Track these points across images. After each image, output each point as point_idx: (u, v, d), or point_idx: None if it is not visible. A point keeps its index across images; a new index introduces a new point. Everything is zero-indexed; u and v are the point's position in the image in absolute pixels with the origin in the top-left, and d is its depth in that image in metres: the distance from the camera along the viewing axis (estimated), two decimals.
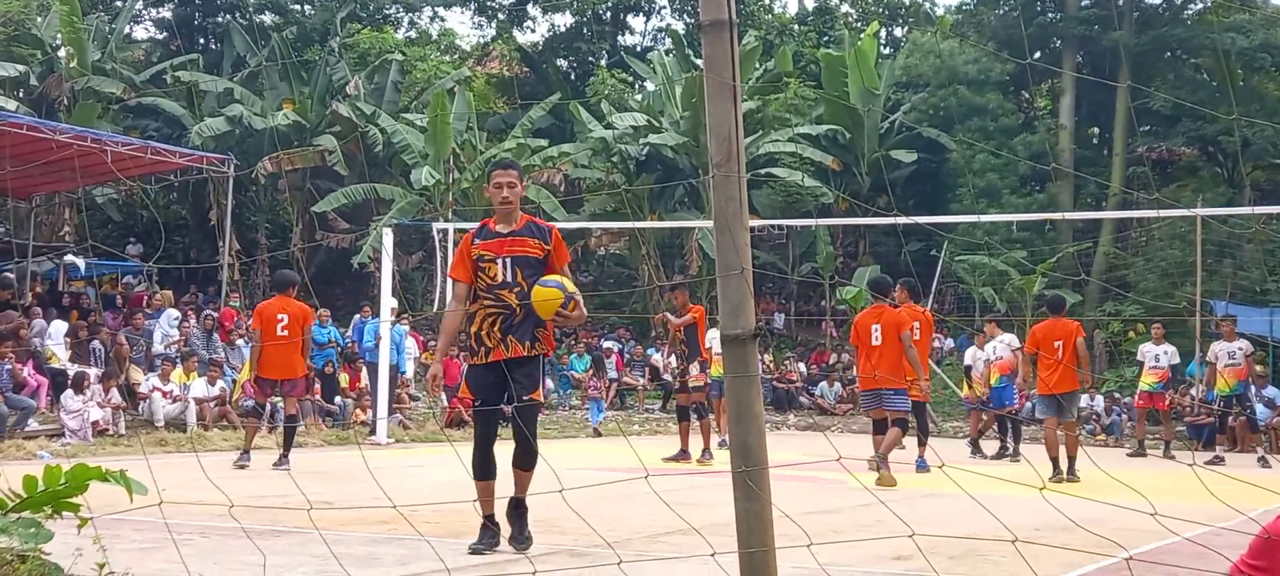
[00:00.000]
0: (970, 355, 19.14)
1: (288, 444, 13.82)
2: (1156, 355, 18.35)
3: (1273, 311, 25.98)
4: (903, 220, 22.95)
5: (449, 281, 7.57)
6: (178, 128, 32.64)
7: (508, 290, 7.26)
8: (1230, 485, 3.51)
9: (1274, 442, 21.65)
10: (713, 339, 18.87)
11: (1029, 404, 18.11)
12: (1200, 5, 37.16)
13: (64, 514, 4.55)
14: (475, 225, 7.71)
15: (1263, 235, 27.04)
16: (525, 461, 7.29)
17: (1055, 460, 14.02)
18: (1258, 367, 19.75)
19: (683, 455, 15.62)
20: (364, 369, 20.40)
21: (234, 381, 20.60)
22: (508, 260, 7.33)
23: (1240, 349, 18.99)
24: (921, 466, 14.37)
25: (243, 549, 6.61)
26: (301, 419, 16.17)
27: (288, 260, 32.57)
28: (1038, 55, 37.89)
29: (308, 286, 27.97)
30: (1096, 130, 39.69)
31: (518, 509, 7.35)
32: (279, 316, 13.90)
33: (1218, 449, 19.75)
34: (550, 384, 27.41)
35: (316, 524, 6.85)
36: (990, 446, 18.37)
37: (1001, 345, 17.78)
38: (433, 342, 27.59)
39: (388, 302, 18.99)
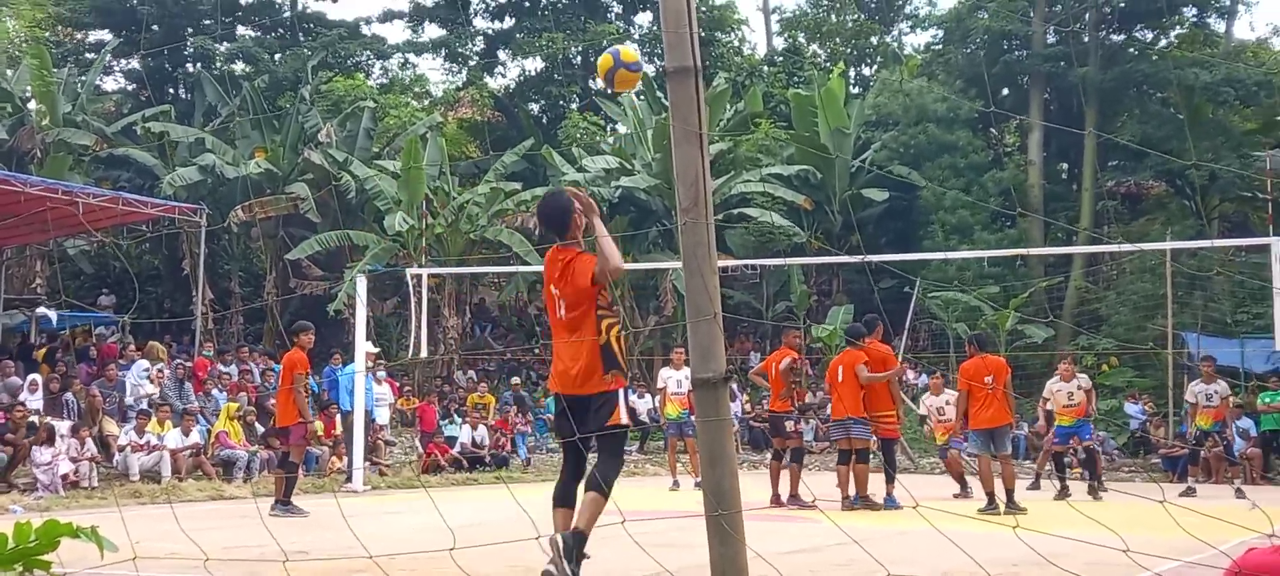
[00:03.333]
0: (925, 402, 19.33)
1: (286, 490, 14.03)
2: (1069, 393, 18.31)
3: (1243, 343, 26.16)
4: (875, 259, 23.05)
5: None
6: (149, 178, 32.55)
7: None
8: (1200, 520, 3.55)
9: (1248, 473, 21.77)
10: (666, 378, 18.92)
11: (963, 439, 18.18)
12: (1165, 42, 37.57)
13: (35, 571, 4.53)
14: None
15: (1231, 267, 27.25)
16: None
17: (991, 494, 14.19)
18: (1231, 398, 19.89)
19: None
20: (338, 416, 20.32)
21: (209, 431, 20.52)
22: None
23: (1217, 391, 19.15)
24: (890, 504, 14.44)
25: None
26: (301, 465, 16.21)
27: (262, 309, 32.46)
28: (1006, 92, 38.22)
29: (282, 334, 27.94)
30: (1065, 165, 39.99)
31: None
32: (283, 365, 14.67)
33: (1191, 480, 19.81)
34: (528, 429, 27.40)
35: (292, 575, 6.82)
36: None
37: (1077, 392, 17.86)
38: (407, 388, 27.57)
39: (362, 349, 18.94)
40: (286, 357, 14.69)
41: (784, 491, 15.51)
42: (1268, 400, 22.78)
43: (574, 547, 6.49)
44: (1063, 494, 16.86)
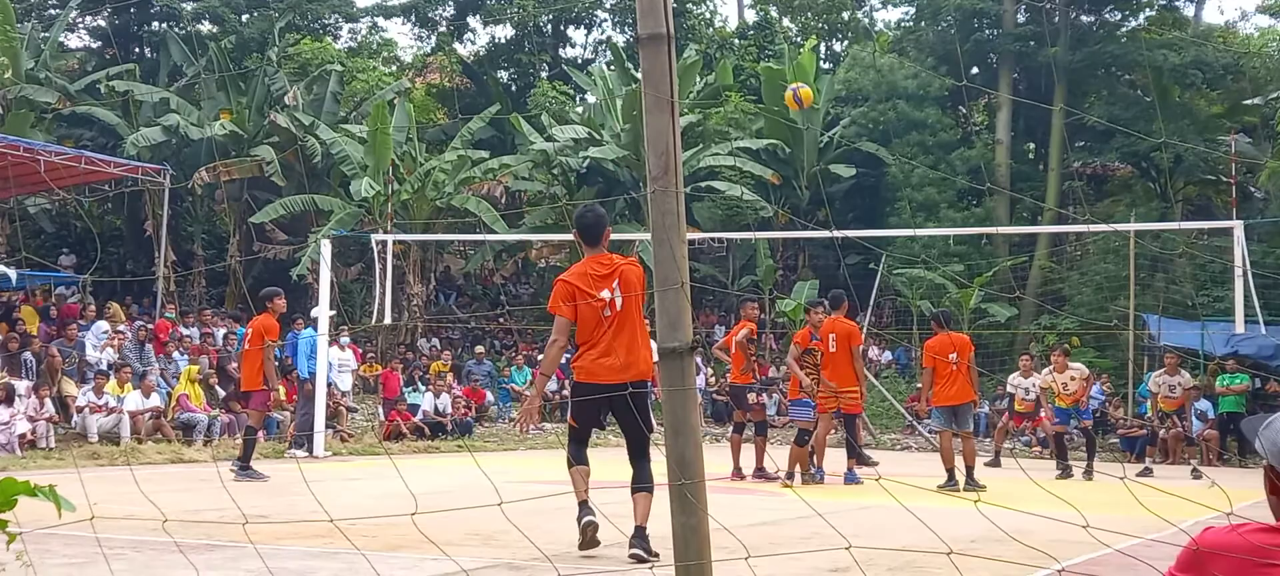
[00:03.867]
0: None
1: (246, 453, 14.08)
2: (1064, 383, 18.51)
3: (1203, 325, 26.37)
4: (841, 234, 23.08)
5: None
6: (113, 137, 32.21)
7: None
8: (1161, 497, 3.56)
9: (1205, 455, 21.98)
10: None
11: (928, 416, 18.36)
12: (1134, 23, 37.70)
13: None
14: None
15: (1194, 250, 27.46)
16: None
17: (951, 471, 14.29)
18: (1186, 374, 20.18)
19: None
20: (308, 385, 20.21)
21: (169, 394, 20.38)
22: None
23: (1180, 383, 19.36)
24: (850, 479, 14.48)
25: (176, 564, 6.53)
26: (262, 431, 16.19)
27: (225, 272, 32.23)
28: (975, 71, 38.28)
29: (245, 297, 27.75)
30: (1032, 145, 40.13)
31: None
32: (249, 331, 14.81)
33: (1148, 460, 20.00)
34: (490, 396, 27.35)
35: (252, 538, 6.78)
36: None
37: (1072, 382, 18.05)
38: (371, 355, 27.47)
39: (326, 314, 18.84)
40: (256, 322, 14.65)
41: (748, 465, 15.55)
42: (1226, 382, 22.99)
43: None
44: (1065, 474, 17.02)
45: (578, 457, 8.10)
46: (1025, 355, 19.01)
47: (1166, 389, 19.45)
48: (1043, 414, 19.27)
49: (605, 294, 7.87)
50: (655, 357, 6.42)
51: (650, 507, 7.59)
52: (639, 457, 7.86)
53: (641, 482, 7.72)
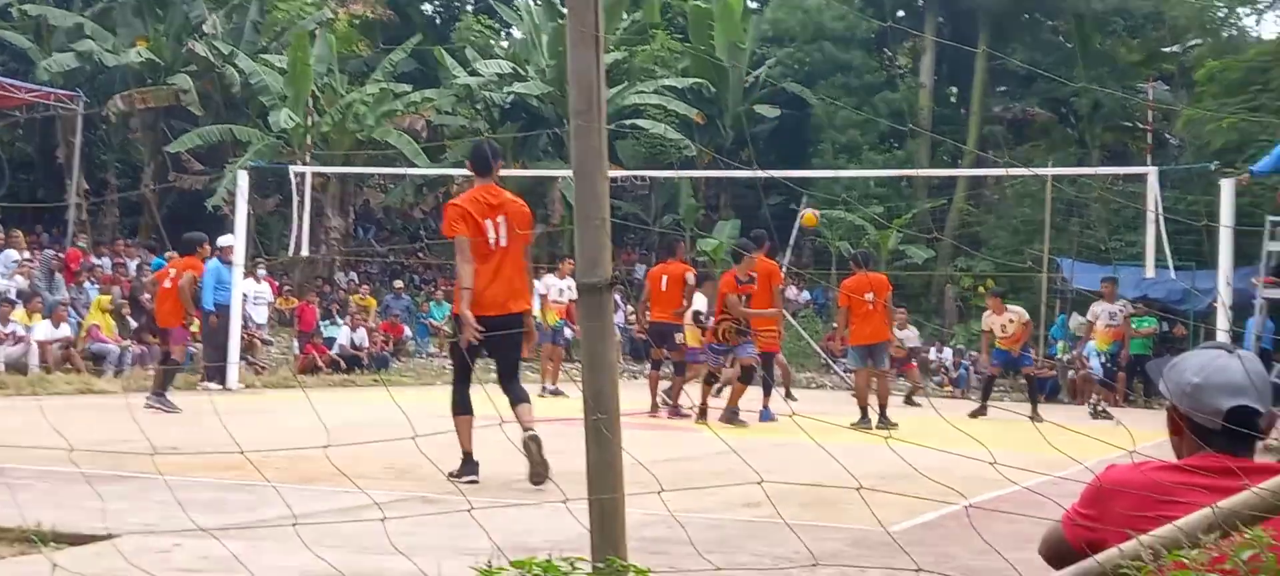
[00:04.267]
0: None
1: (163, 382, 14.08)
2: (1002, 326, 18.57)
3: (1116, 268, 26.81)
4: (764, 174, 23.15)
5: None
6: (24, 62, 31.38)
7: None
8: (1067, 437, 3.60)
9: (1112, 395, 22.40)
10: (547, 286, 18.90)
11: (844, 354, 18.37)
12: None
13: None
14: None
15: (1109, 195, 27.88)
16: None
17: (864, 409, 14.43)
18: (1126, 301, 20.18)
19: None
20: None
21: (80, 324, 20.03)
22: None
23: (1120, 310, 19.40)
24: (765, 416, 14.57)
25: (83, 494, 6.42)
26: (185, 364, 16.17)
27: (139, 202, 31.66)
28: (901, 14, 38.43)
29: (158, 227, 27.28)
30: (955, 89, 40.46)
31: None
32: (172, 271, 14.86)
33: (1098, 403, 19.96)
34: (408, 331, 27.20)
35: (161, 469, 6.69)
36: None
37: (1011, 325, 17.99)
38: (287, 288, 27.17)
39: (243, 247, 18.58)
40: (179, 263, 14.74)
41: (669, 403, 15.64)
42: (1135, 325, 23.41)
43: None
44: (980, 412, 17.08)
45: (464, 403, 8.30)
46: (992, 298, 18.96)
47: (1108, 317, 19.42)
48: (982, 355, 19.48)
49: (489, 226, 8.20)
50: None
51: (532, 414, 8.15)
52: (509, 380, 8.32)
53: (517, 397, 8.20)
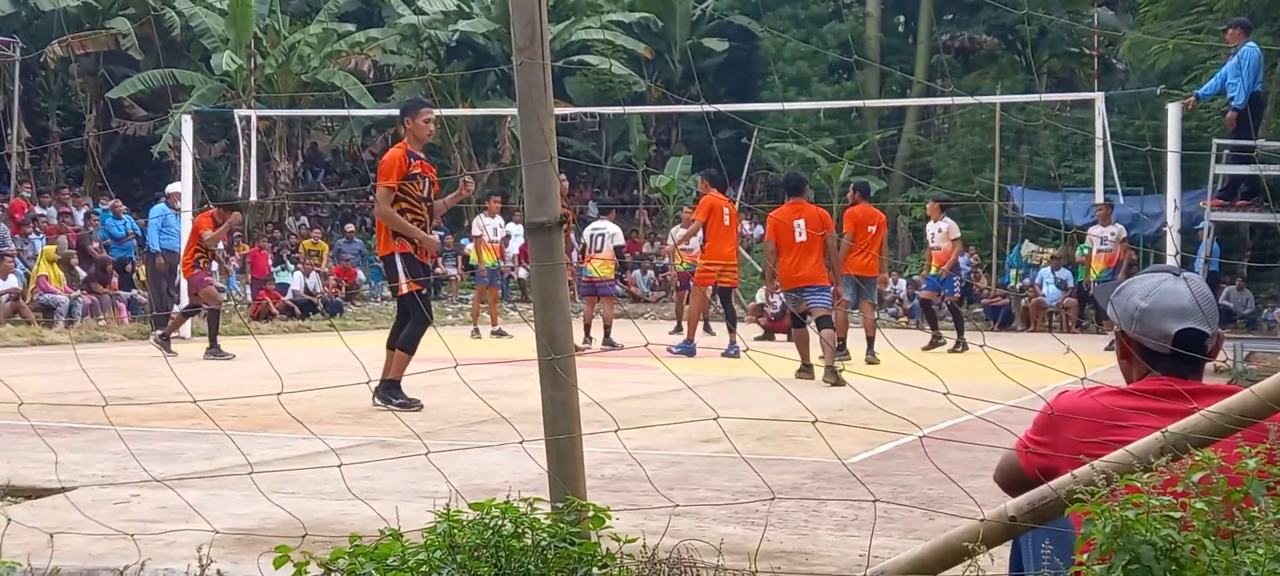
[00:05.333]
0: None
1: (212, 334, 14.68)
2: (931, 235, 17.91)
3: (1065, 195, 27.02)
4: (714, 109, 23.09)
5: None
6: None
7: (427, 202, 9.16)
8: (1019, 365, 3.64)
9: (1064, 322, 22.65)
10: (481, 227, 18.79)
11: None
12: None
13: None
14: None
15: (1056, 123, 28.04)
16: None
17: (843, 341, 14.38)
18: (1119, 225, 19.55)
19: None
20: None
21: (28, 275, 19.78)
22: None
23: (1114, 234, 18.75)
24: (730, 352, 14.60)
25: (35, 447, 6.37)
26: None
27: (82, 149, 31.21)
28: None
29: (101, 175, 26.92)
30: (902, 18, 40.45)
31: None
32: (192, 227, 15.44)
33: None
34: (361, 275, 27.05)
35: (114, 421, 6.64)
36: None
37: (939, 234, 17.25)
38: (237, 234, 26.89)
39: (189, 193, 18.38)
40: (196, 220, 15.13)
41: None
42: (1085, 252, 23.62)
43: (383, 391, 8.65)
44: (935, 343, 16.40)
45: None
46: (932, 203, 18.33)
47: (1099, 242, 18.80)
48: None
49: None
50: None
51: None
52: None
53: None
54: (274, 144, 29.77)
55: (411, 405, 8.69)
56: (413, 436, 6.83)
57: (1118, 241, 18.88)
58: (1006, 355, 3.22)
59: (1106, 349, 14.31)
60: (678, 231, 19.83)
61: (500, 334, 18.63)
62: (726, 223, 15.14)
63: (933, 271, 17.16)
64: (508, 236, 19.86)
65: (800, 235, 11.95)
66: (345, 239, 28.43)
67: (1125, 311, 2.91)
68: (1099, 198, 17.54)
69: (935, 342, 16.46)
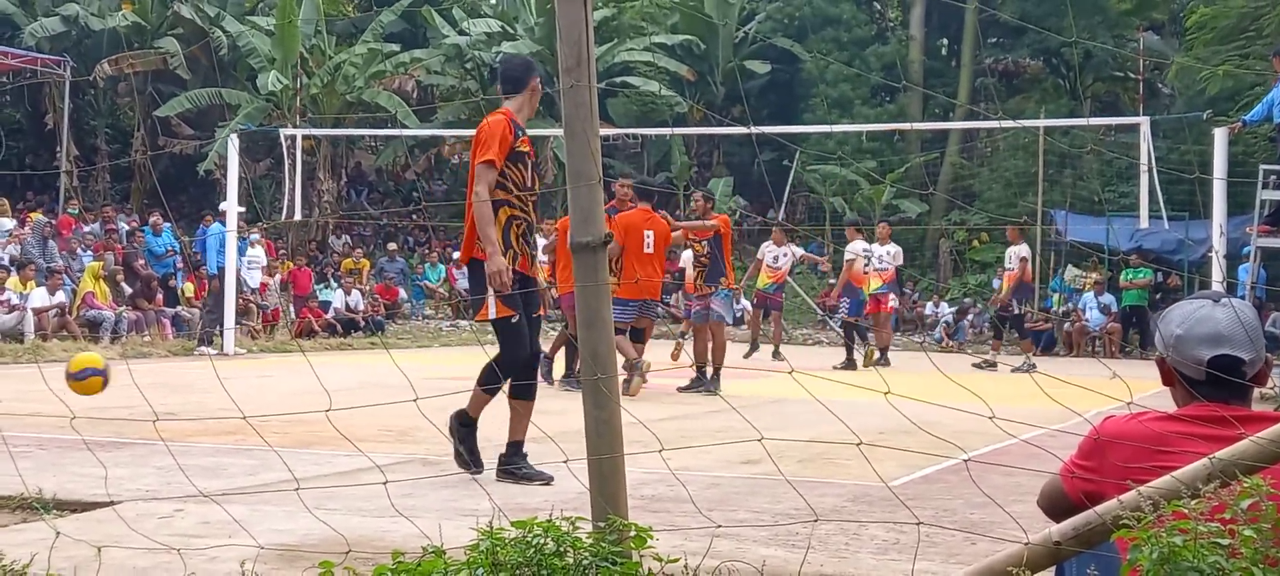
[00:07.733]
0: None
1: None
2: (881, 256, 18.01)
3: (1109, 220, 26.82)
4: (756, 131, 23.07)
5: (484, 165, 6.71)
6: (10, 27, 31.22)
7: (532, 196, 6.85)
8: (1064, 389, 3.62)
9: (1107, 347, 22.47)
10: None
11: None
12: None
13: None
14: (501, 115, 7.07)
15: (1101, 146, 27.86)
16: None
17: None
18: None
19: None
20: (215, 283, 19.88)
21: (74, 291, 19.99)
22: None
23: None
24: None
25: (84, 461, 6.44)
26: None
27: (130, 167, 31.56)
28: None
29: (152, 192, 27.17)
30: (945, 41, 40.32)
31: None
32: None
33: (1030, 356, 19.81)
34: (402, 293, 27.19)
35: (162, 435, 6.71)
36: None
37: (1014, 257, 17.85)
38: (282, 251, 27.12)
39: (234, 211, 18.56)
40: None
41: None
42: (1130, 277, 23.46)
43: (455, 425, 6.76)
44: (862, 362, 17.09)
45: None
46: (850, 228, 18.76)
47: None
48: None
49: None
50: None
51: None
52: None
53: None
54: (319, 163, 29.99)
55: (536, 477, 6.71)
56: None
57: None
58: (1051, 378, 3.21)
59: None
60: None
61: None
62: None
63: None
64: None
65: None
66: (388, 257, 28.58)
67: (1164, 337, 2.90)
68: (1144, 222, 17.43)
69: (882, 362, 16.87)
